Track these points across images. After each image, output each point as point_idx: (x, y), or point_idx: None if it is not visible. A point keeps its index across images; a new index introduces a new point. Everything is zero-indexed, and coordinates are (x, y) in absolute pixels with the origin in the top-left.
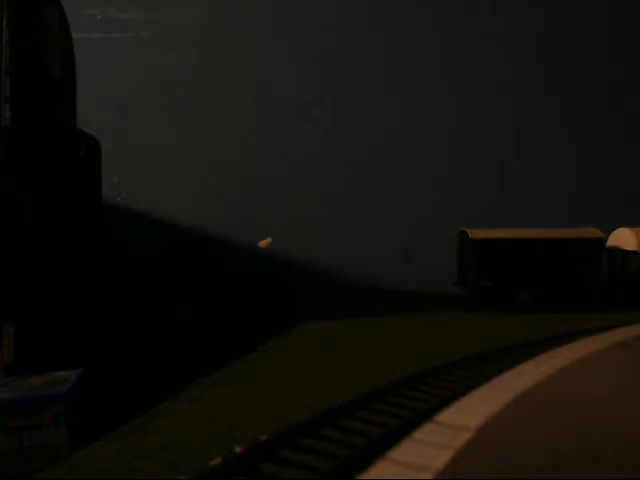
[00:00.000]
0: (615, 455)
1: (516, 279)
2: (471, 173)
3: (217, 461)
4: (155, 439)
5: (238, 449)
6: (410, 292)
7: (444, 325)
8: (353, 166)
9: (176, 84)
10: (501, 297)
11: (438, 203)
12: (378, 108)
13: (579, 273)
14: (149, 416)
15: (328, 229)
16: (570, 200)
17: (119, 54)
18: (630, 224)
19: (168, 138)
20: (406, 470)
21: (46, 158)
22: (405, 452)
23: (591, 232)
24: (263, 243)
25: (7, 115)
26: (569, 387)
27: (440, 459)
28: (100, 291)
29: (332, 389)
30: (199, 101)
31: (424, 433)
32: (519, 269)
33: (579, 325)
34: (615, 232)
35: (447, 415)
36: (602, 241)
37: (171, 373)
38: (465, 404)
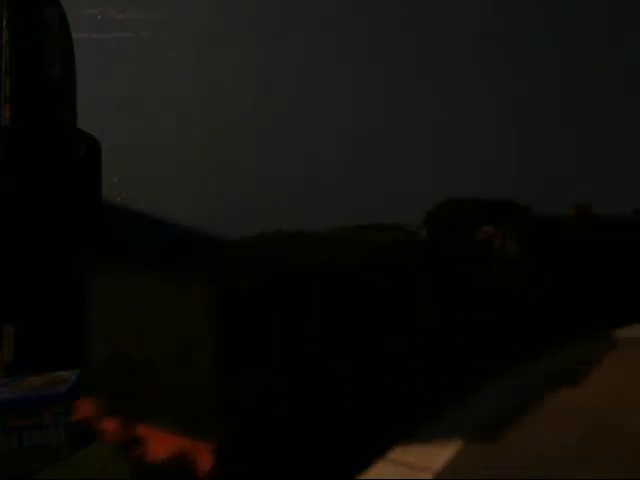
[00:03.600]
0: (614, 455)
1: None
2: (471, 173)
3: None
4: None
5: None
6: None
7: None
8: (353, 166)
9: (176, 84)
10: None
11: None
12: (378, 108)
13: None
14: None
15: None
16: (570, 200)
17: (119, 54)
18: None
19: (168, 138)
20: (406, 470)
21: (46, 158)
22: (405, 452)
23: None
24: None
25: (7, 115)
26: (569, 387)
27: (440, 458)
28: None
29: None
30: (199, 101)
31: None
32: None
33: None
34: None
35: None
36: None
37: None
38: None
